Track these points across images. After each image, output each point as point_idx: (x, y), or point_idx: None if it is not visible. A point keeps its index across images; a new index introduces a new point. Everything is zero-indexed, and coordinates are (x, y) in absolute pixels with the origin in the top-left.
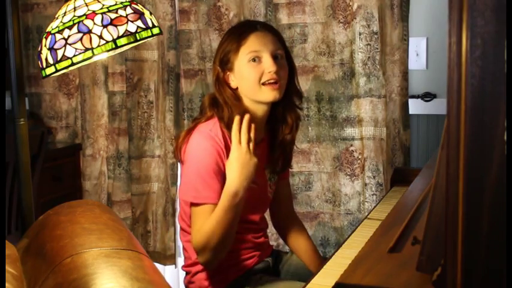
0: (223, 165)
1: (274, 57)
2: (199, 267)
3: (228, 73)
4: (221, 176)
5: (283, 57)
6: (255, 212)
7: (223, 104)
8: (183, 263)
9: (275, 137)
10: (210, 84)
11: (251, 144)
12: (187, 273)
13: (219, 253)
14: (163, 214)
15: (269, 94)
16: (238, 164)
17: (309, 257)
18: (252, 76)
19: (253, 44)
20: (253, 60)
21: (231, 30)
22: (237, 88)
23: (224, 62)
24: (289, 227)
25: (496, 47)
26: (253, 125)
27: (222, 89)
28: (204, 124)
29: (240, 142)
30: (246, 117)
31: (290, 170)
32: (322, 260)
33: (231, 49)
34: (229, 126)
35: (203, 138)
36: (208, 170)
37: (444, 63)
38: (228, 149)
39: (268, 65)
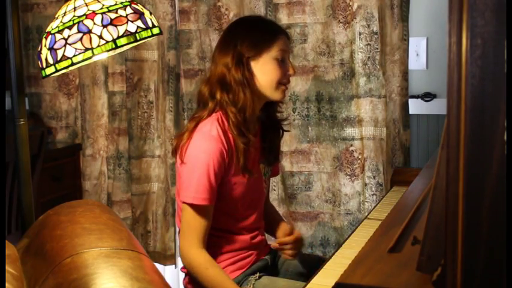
0: (225, 166)
1: None
2: None
3: (251, 59)
4: (220, 179)
5: None
6: (251, 207)
7: (239, 84)
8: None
9: (265, 131)
10: None
11: None
12: (186, 274)
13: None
14: (163, 214)
15: (281, 95)
16: None
17: (275, 225)
18: (276, 74)
19: (283, 45)
20: (281, 59)
21: (259, 24)
22: (252, 76)
23: (253, 49)
24: (266, 214)
25: (496, 47)
26: None
27: (241, 69)
28: (203, 124)
29: None
30: None
31: (290, 170)
32: (292, 226)
33: (265, 39)
34: (241, 110)
35: (204, 140)
36: (208, 173)
37: (444, 63)
38: (228, 144)
39: (290, 68)
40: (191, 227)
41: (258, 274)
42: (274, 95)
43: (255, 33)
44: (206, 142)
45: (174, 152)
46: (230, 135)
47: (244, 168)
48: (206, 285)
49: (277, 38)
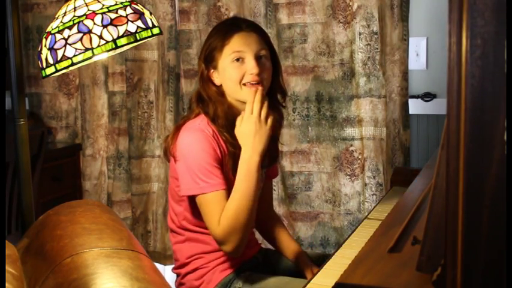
0: (220, 153)
1: (258, 58)
2: (188, 268)
3: (212, 70)
4: (220, 163)
5: (268, 57)
6: None
7: (207, 100)
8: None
9: None
10: None
11: (263, 113)
12: (177, 275)
13: (247, 231)
14: (163, 214)
15: (250, 94)
16: (251, 133)
17: (289, 249)
18: (233, 76)
19: (236, 45)
20: (237, 60)
21: (217, 27)
22: (220, 85)
23: (209, 60)
24: (268, 224)
25: (496, 47)
26: (266, 101)
27: (206, 85)
28: (192, 121)
29: (251, 112)
30: (259, 90)
31: (290, 170)
32: (304, 252)
33: (215, 47)
34: (214, 121)
35: (193, 132)
36: (208, 160)
37: (444, 63)
38: (217, 142)
39: (250, 67)
40: (211, 213)
41: (247, 273)
42: (243, 96)
43: (208, 45)
44: (195, 134)
45: (165, 153)
46: (220, 136)
47: (232, 170)
48: (250, 202)
49: (227, 40)
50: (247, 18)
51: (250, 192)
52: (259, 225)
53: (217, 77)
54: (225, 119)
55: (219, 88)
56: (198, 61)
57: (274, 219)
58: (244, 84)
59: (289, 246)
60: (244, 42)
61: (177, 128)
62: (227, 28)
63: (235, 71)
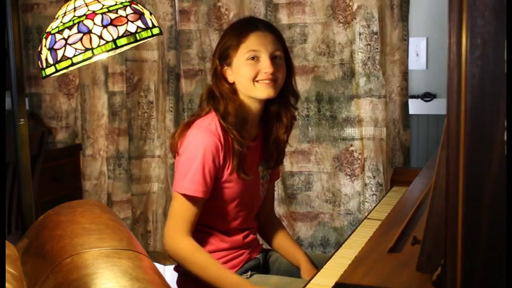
0: (219, 161)
1: (273, 58)
2: None
3: (226, 67)
4: (215, 172)
5: (282, 58)
6: (244, 209)
7: (219, 96)
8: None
9: (269, 134)
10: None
11: None
12: (178, 273)
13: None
14: (164, 214)
15: (263, 91)
16: None
17: (291, 254)
18: (247, 74)
19: (252, 44)
20: (252, 58)
21: (233, 26)
22: (233, 83)
23: (223, 57)
24: (270, 227)
25: (496, 47)
26: None
27: (219, 82)
28: (202, 119)
29: None
30: None
31: (290, 170)
32: (306, 255)
33: (231, 45)
34: (224, 118)
35: (201, 133)
36: (204, 166)
37: (444, 63)
38: (225, 141)
39: (265, 66)
40: (179, 216)
41: (249, 273)
42: (256, 93)
43: (223, 42)
44: (203, 135)
45: (171, 148)
46: (228, 135)
47: (238, 169)
48: (193, 270)
49: (244, 39)
50: (263, 19)
51: (212, 280)
52: (261, 230)
53: (230, 75)
54: (235, 116)
55: (232, 86)
56: (212, 58)
57: (275, 224)
58: (257, 81)
59: (291, 252)
60: (260, 42)
61: (187, 125)
62: (243, 27)
63: (250, 68)
